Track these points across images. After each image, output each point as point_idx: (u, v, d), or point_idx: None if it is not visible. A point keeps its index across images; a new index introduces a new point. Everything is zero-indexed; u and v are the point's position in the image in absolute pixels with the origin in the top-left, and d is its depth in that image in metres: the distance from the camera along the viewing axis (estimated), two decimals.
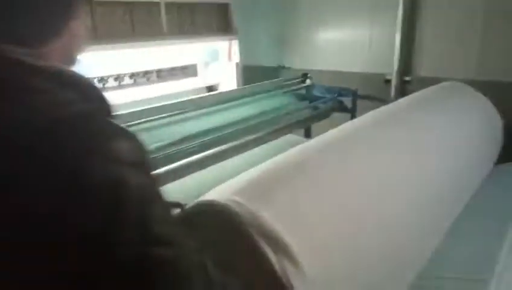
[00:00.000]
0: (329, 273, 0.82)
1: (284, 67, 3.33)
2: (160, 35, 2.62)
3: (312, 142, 1.19)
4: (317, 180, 0.95)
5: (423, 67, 2.70)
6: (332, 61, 3.10)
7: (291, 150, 1.09)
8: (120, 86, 2.62)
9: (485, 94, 1.92)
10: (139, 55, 2.63)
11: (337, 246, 0.86)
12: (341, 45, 3.05)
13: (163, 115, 1.86)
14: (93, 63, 2.41)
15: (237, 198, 0.79)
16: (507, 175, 1.71)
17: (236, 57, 3.03)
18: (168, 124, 1.90)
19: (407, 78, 2.74)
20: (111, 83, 2.56)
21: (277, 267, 0.72)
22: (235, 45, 3.01)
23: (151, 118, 1.79)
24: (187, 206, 0.84)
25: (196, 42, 2.85)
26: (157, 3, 2.56)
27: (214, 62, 3.12)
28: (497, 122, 1.80)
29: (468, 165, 1.49)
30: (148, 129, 1.76)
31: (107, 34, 2.35)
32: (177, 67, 2.96)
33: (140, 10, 2.47)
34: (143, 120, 1.74)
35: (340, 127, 1.28)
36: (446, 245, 1.22)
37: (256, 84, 2.49)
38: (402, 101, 1.74)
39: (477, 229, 1.30)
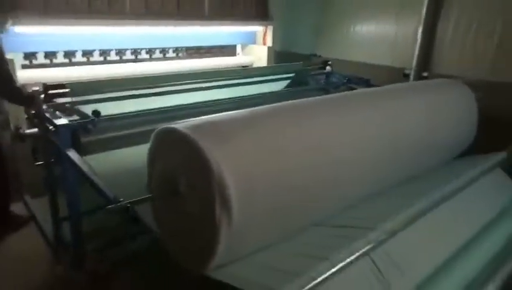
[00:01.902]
0: (253, 222, 1.00)
1: (315, 55, 3.58)
2: (203, 17, 3.04)
3: (292, 102, 1.38)
4: (278, 135, 1.10)
5: (441, 65, 2.79)
6: (360, 53, 3.28)
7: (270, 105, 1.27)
8: (165, 58, 3.10)
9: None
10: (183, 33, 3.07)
11: (272, 199, 1.03)
12: (369, 38, 3.21)
13: (191, 81, 2.29)
14: (144, 37, 2.90)
15: (202, 135, 0.96)
16: (467, 163, 1.85)
17: (269, 42, 3.35)
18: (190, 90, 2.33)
19: (424, 74, 2.85)
20: (157, 54, 3.04)
21: (217, 212, 0.92)
22: (269, 31, 3.33)
23: (181, 82, 2.23)
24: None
25: (234, 26, 3.22)
26: None
27: (251, 45, 3.48)
28: (471, 118, 1.92)
29: (430, 141, 1.66)
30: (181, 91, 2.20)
31: (156, 12, 2.81)
32: (217, 46, 3.37)
33: None
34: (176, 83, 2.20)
35: (325, 96, 1.50)
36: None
37: (276, 64, 2.81)
38: (391, 85, 1.94)
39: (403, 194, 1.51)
